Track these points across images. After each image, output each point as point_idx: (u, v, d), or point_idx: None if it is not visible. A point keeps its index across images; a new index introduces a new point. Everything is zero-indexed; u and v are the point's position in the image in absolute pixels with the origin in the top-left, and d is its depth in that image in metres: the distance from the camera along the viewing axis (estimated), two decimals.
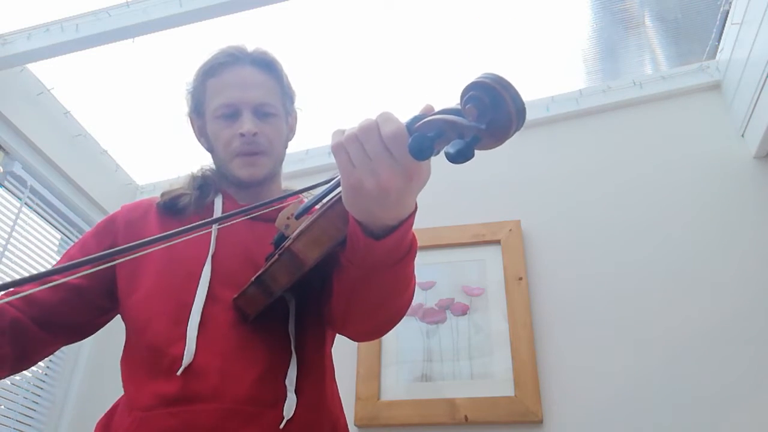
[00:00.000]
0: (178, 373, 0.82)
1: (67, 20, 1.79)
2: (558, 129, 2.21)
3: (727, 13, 1.95)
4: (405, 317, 1.98)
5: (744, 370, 1.65)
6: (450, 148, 0.55)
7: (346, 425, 0.96)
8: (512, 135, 0.57)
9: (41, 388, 1.97)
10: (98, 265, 0.89)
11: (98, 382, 2.11)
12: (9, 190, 1.96)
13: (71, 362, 2.13)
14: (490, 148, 0.58)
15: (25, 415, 1.89)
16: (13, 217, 1.95)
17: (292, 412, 0.83)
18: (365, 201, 0.66)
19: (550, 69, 2.17)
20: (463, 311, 1.94)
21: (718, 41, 2.05)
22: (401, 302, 0.84)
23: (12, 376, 1.90)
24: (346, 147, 0.64)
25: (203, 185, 1.05)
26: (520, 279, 1.92)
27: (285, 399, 0.84)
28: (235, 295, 0.89)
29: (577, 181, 2.08)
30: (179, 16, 1.72)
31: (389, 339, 1.92)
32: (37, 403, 1.94)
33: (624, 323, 1.79)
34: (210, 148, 1.08)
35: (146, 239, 0.62)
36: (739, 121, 1.99)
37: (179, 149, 2.13)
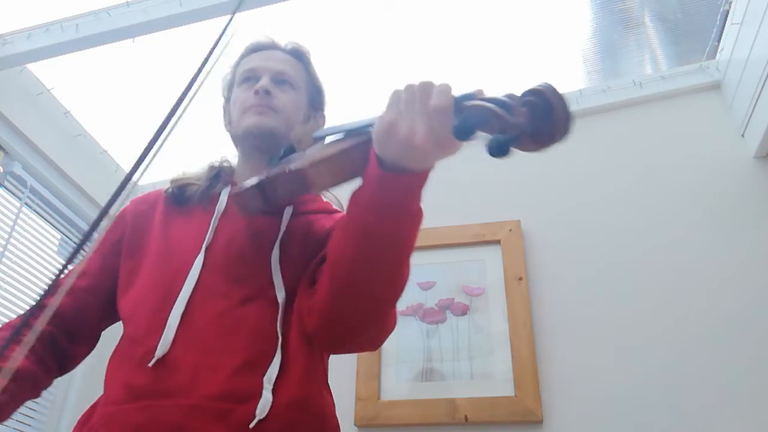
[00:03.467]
0: (150, 364, 0.80)
1: (67, 20, 1.79)
2: None
3: (727, 13, 1.94)
4: (405, 317, 1.97)
5: (744, 370, 1.65)
6: (492, 141, 0.59)
7: (337, 427, 0.92)
8: (550, 147, 0.59)
9: None
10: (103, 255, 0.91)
11: (98, 383, 2.10)
12: (9, 190, 1.96)
13: None
14: (528, 151, 0.61)
15: (25, 415, 1.89)
16: (13, 217, 1.95)
17: (266, 411, 0.79)
18: (393, 143, 0.69)
19: (550, 69, 2.17)
20: (463, 311, 1.94)
21: (718, 41, 2.05)
22: (396, 283, 0.80)
23: None
24: (402, 92, 0.69)
25: (216, 176, 1.06)
26: (520, 279, 1.92)
27: (261, 396, 0.80)
28: (236, 192, 0.91)
29: (577, 181, 2.08)
30: (179, 16, 1.72)
31: (389, 339, 1.91)
32: (37, 403, 1.94)
33: (624, 323, 1.79)
34: (229, 122, 1.10)
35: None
36: (739, 121, 1.99)
37: (179, 149, 2.13)
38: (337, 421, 0.93)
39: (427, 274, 2.02)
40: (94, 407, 0.89)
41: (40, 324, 0.87)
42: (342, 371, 1.82)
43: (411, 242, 0.77)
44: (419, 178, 0.73)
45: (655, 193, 1.98)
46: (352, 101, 2.15)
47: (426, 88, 0.67)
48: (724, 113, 2.06)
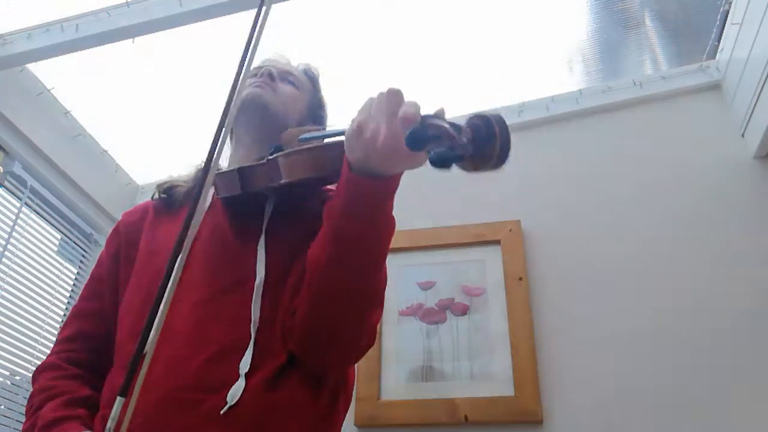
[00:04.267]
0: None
1: (67, 20, 1.79)
2: (558, 129, 2.21)
3: (727, 13, 1.95)
4: (405, 317, 1.96)
5: (744, 370, 1.65)
6: (434, 153, 0.66)
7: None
8: (485, 170, 0.65)
9: None
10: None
11: None
12: (9, 190, 1.96)
13: None
14: (468, 171, 0.67)
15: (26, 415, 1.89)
16: (13, 217, 1.95)
17: (237, 397, 0.77)
18: (360, 143, 0.74)
19: (550, 69, 2.17)
20: (463, 311, 1.94)
21: (718, 41, 2.05)
22: (369, 287, 0.81)
23: (12, 376, 1.91)
24: (375, 97, 0.75)
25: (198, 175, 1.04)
26: (520, 279, 1.92)
27: (234, 382, 0.78)
28: (218, 172, 0.92)
29: (577, 181, 2.08)
30: (179, 16, 1.72)
31: (389, 339, 1.92)
32: None
33: (624, 323, 1.79)
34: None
35: None
36: (739, 121, 1.99)
37: (179, 149, 2.13)
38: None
39: (427, 274, 2.02)
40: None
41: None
42: None
43: (382, 248, 0.79)
44: (386, 184, 0.76)
45: (655, 193, 1.98)
46: (354, 101, 2.15)
47: (396, 95, 0.72)
48: (724, 113, 2.06)
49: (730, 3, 1.91)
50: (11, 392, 1.87)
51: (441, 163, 0.65)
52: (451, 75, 2.13)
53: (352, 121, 0.76)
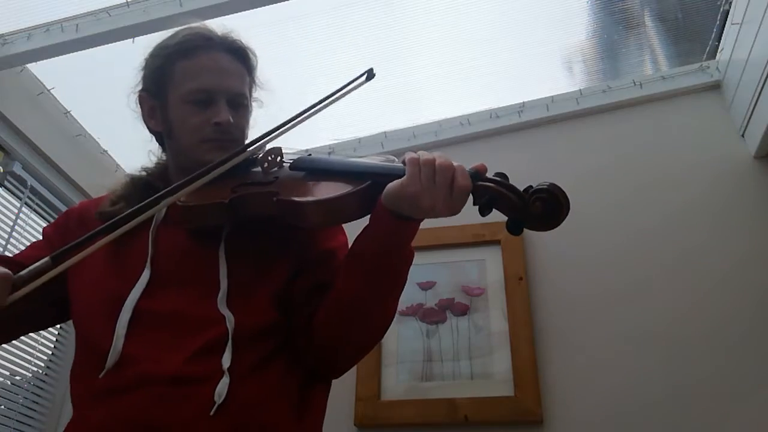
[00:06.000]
0: (102, 374, 0.82)
1: (67, 20, 1.79)
2: (558, 129, 2.21)
3: (727, 13, 1.94)
4: (405, 317, 1.97)
5: (744, 370, 1.65)
6: (511, 223, 0.79)
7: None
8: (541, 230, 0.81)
9: (41, 388, 1.97)
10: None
11: None
12: (9, 190, 1.96)
13: (71, 362, 2.12)
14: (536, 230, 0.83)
15: (25, 415, 1.89)
16: (13, 217, 1.95)
17: (224, 395, 0.79)
18: (413, 209, 0.80)
19: (550, 69, 2.17)
20: (463, 311, 1.94)
21: (718, 41, 2.05)
22: (392, 308, 0.90)
23: (12, 376, 1.91)
24: (421, 165, 0.78)
25: (147, 187, 1.01)
26: (520, 279, 1.92)
27: (220, 377, 0.80)
28: (192, 204, 0.89)
29: (578, 181, 2.07)
30: (179, 16, 1.71)
31: (389, 339, 1.92)
32: (37, 403, 1.94)
33: (624, 323, 1.79)
34: (167, 132, 1.03)
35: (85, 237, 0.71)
36: (739, 121, 1.99)
37: None
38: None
39: (427, 274, 2.02)
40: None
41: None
42: None
43: (406, 277, 0.89)
44: (418, 224, 0.84)
45: (655, 193, 1.98)
46: (354, 101, 2.14)
47: (446, 169, 0.78)
48: (724, 113, 2.06)
49: (730, 3, 1.91)
50: (11, 392, 1.87)
51: (517, 230, 0.79)
52: (451, 75, 2.13)
53: (402, 186, 0.79)
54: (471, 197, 0.80)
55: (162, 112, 1.04)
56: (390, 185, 0.81)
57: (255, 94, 1.08)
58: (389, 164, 0.87)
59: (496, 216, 0.82)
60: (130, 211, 0.81)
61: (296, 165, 0.94)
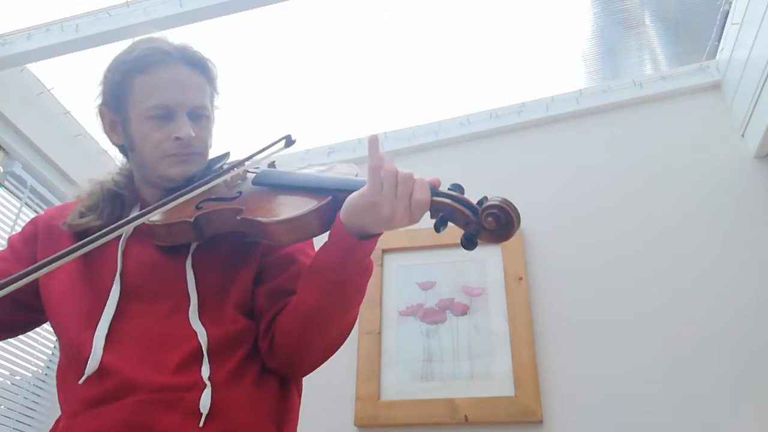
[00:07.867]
0: (80, 381, 0.83)
1: (67, 20, 1.79)
2: (558, 129, 2.20)
3: (727, 13, 1.95)
4: (405, 317, 1.97)
5: (744, 370, 1.65)
6: (464, 238, 0.81)
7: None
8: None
9: (41, 388, 1.97)
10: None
11: None
12: (9, 190, 1.96)
13: None
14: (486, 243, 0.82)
15: (25, 415, 1.89)
16: (13, 217, 1.95)
17: (209, 404, 0.82)
18: (372, 219, 0.80)
19: (550, 69, 2.17)
20: (463, 311, 1.94)
21: (718, 41, 2.05)
22: (352, 317, 0.92)
23: (12, 376, 1.91)
24: (383, 176, 0.78)
25: (116, 197, 1.01)
26: (520, 279, 1.92)
27: (203, 387, 0.82)
28: (159, 223, 0.90)
29: (577, 180, 2.08)
30: (179, 16, 1.72)
31: (389, 339, 1.92)
32: (37, 403, 1.94)
33: (624, 323, 1.79)
34: (130, 146, 1.02)
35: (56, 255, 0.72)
36: (739, 121, 1.99)
37: None
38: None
39: (427, 274, 2.02)
40: (57, 422, 0.92)
41: None
42: (342, 371, 1.82)
43: (364, 290, 0.90)
44: (376, 239, 0.85)
45: (655, 192, 1.98)
46: (355, 101, 2.15)
47: (407, 181, 0.78)
48: (724, 113, 2.06)
49: (730, 3, 1.91)
50: (11, 392, 1.87)
51: (472, 245, 0.80)
52: (451, 75, 2.13)
53: (361, 196, 0.79)
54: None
55: (123, 126, 1.03)
56: (349, 197, 0.81)
57: (216, 103, 1.07)
58: (351, 178, 0.89)
59: None
60: (99, 233, 0.80)
61: (259, 180, 0.95)
